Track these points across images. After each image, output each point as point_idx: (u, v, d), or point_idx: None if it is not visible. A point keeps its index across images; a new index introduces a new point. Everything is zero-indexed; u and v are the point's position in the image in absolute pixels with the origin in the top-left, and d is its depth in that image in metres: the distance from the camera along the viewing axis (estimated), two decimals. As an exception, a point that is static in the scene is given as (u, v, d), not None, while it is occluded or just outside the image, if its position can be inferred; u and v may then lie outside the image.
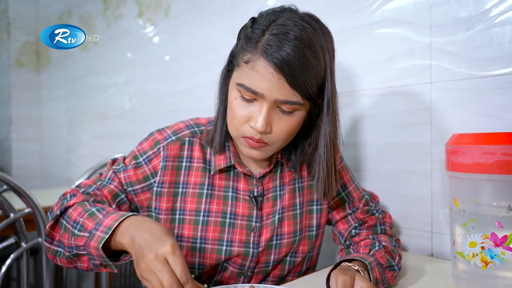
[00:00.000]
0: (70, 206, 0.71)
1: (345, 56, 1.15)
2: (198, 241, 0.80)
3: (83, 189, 0.77)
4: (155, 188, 0.80)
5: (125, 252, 0.65)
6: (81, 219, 0.67)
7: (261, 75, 0.66)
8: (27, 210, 1.07)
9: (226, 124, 0.78)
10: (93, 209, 0.68)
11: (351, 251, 0.84)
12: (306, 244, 0.87)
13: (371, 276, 0.69)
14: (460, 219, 0.74)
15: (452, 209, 0.76)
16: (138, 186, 0.80)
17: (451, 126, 0.95)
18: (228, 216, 0.81)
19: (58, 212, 0.70)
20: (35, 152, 2.80)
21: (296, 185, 0.87)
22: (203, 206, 0.80)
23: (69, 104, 2.55)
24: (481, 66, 0.90)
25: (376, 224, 0.89)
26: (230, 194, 0.82)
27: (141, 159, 0.81)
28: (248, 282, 0.84)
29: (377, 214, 0.91)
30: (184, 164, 0.81)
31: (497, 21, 0.88)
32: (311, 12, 0.73)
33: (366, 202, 0.92)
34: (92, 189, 0.77)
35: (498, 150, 0.68)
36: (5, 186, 1.03)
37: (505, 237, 0.69)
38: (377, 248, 0.79)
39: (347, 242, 0.89)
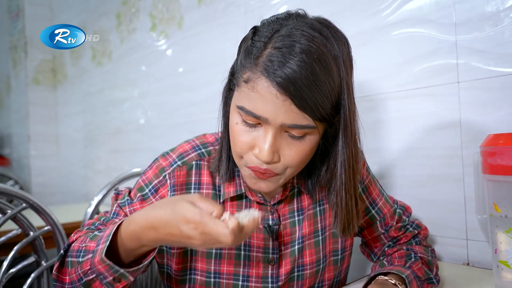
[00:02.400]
0: (73, 242, 0.66)
1: (364, 59, 1.11)
2: (212, 275, 0.73)
3: (86, 227, 0.71)
4: None
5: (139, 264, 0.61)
6: (83, 245, 0.62)
7: (263, 96, 0.57)
8: (46, 228, 1.05)
9: (232, 152, 0.69)
10: (95, 233, 0.63)
11: (385, 263, 0.78)
12: (331, 270, 0.80)
13: (409, 290, 0.65)
14: (502, 225, 0.68)
15: (492, 215, 0.71)
16: None
17: (483, 127, 0.90)
18: (242, 248, 0.73)
19: (62, 252, 0.65)
20: (52, 168, 2.82)
21: (317, 209, 0.78)
22: None
23: (85, 120, 2.57)
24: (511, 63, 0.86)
25: (410, 239, 0.84)
26: None
27: (146, 190, 0.73)
28: None
29: (411, 229, 0.84)
30: (192, 191, 0.73)
31: (527, 14, 0.84)
32: (325, 16, 0.65)
33: (399, 217, 0.85)
34: (96, 225, 0.71)
35: (542, 150, 0.63)
36: (24, 204, 1.02)
37: (554, 244, 0.63)
38: (413, 260, 0.74)
39: (380, 258, 0.84)
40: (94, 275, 0.57)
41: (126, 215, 0.72)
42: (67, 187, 2.79)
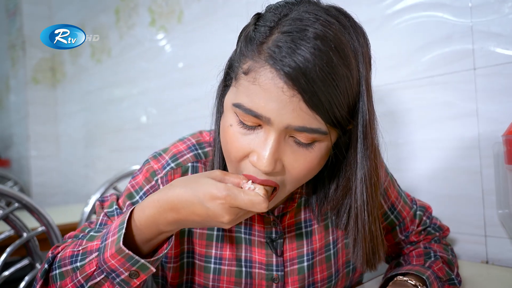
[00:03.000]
0: (58, 253, 0.57)
1: (372, 48, 1.05)
2: None
3: (70, 239, 0.63)
4: None
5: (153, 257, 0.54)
6: (79, 249, 0.53)
7: (266, 90, 0.48)
8: (40, 229, 1.01)
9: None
10: (92, 233, 0.56)
11: (402, 262, 0.73)
12: (343, 282, 0.72)
13: (430, 292, 0.59)
14: (530, 220, 0.63)
15: (518, 209, 0.65)
16: None
17: (501, 115, 0.85)
18: (243, 264, 0.65)
19: (46, 266, 0.55)
20: (53, 169, 2.78)
21: (329, 220, 0.69)
22: (213, 251, 0.65)
23: (85, 119, 2.53)
24: (534, 46, 0.80)
25: (430, 241, 0.78)
26: (242, 236, 0.66)
27: (137, 197, 0.64)
28: None
29: (432, 231, 0.78)
30: None
31: (550, -7, 0.78)
32: (330, 3, 0.56)
33: (419, 220, 0.78)
34: (79, 237, 0.62)
35: None
36: (16, 204, 0.97)
37: None
38: (433, 259, 0.68)
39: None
40: (103, 276, 0.50)
41: None
42: (68, 187, 2.75)
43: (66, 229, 1.17)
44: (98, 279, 0.50)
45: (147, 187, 0.64)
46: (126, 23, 2.07)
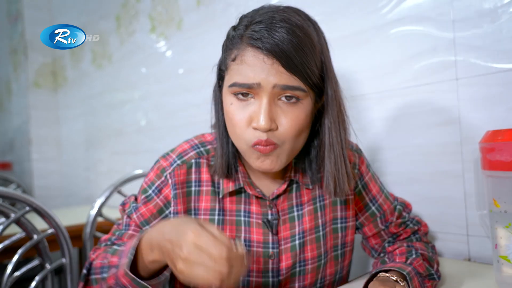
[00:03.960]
0: (93, 260, 0.70)
1: (363, 58, 1.11)
2: None
3: (104, 244, 0.76)
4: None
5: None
6: (105, 261, 0.66)
7: (252, 66, 0.62)
8: (50, 231, 1.06)
9: (230, 146, 0.73)
10: (115, 247, 0.68)
11: (386, 260, 0.79)
12: (333, 266, 0.81)
13: (410, 286, 0.65)
14: (502, 220, 0.69)
15: (492, 210, 0.71)
16: (154, 222, 0.75)
17: (482, 123, 0.91)
18: (243, 243, 0.73)
19: (84, 271, 0.69)
20: (55, 172, 2.82)
21: (317, 204, 0.79)
22: None
23: (86, 123, 2.57)
24: (510, 59, 0.86)
25: (410, 236, 0.85)
26: (242, 218, 0.75)
27: (150, 191, 0.76)
28: None
29: (411, 225, 0.86)
30: (193, 189, 0.76)
31: (525, 10, 0.84)
32: (323, 15, 0.72)
33: (399, 214, 0.86)
34: (112, 240, 0.75)
35: (540, 146, 0.64)
36: (27, 208, 1.02)
37: (554, 238, 0.64)
38: (414, 256, 0.74)
39: (381, 254, 0.85)
40: None
41: (136, 224, 0.75)
42: (69, 189, 2.80)
43: (73, 230, 1.23)
44: None
45: (158, 182, 0.76)
46: (127, 30, 2.12)
